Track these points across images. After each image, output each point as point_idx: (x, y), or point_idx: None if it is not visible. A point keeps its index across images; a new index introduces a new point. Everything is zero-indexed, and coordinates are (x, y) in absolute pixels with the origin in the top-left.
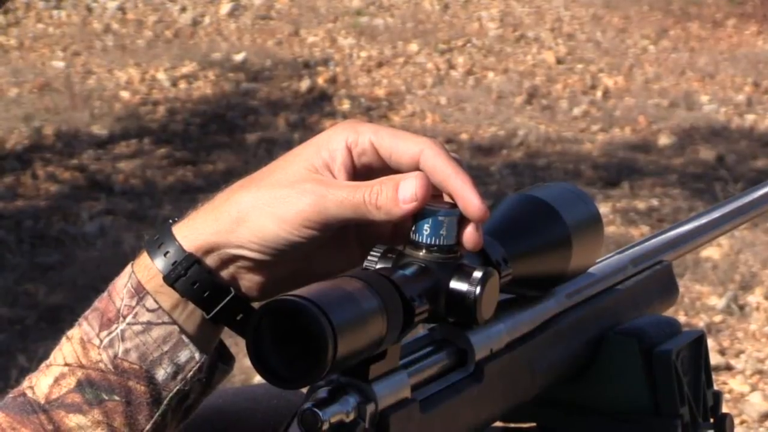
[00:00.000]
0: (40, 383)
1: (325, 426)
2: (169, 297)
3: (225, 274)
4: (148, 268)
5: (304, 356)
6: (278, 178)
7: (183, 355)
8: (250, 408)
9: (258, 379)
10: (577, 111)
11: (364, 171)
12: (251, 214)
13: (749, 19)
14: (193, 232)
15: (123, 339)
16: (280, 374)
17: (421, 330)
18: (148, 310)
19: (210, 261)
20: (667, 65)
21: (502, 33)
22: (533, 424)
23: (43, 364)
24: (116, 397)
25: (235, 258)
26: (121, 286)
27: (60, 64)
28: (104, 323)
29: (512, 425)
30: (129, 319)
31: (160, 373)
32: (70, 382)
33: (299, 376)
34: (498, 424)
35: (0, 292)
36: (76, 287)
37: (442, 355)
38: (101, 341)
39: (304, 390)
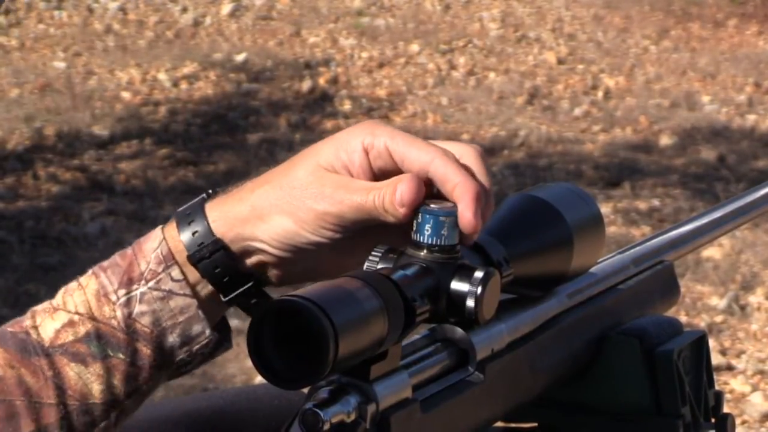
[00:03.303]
0: (46, 326)
1: (326, 426)
2: (191, 272)
3: (249, 262)
4: (174, 240)
5: (305, 356)
6: (298, 177)
7: (195, 329)
8: (252, 408)
9: (259, 379)
10: (578, 111)
11: (380, 173)
12: (272, 214)
13: (750, 19)
14: (222, 217)
15: (141, 301)
16: (281, 374)
17: (422, 330)
18: (173, 280)
19: (235, 248)
20: (668, 65)
21: (503, 33)
22: (534, 424)
23: (48, 304)
24: (121, 356)
25: (257, 251)
26: (149, 249)
27: (61, 65)
28: (124, 282)
29: (513, 425)
30: (151, 284)
31: (168, 341)
32: (78, 331)
33: (300, 376)
34: (499, 424)
35: (1, 292)
36: None
37: (443, 355)
38: (118, 298)
39: (305, 390)
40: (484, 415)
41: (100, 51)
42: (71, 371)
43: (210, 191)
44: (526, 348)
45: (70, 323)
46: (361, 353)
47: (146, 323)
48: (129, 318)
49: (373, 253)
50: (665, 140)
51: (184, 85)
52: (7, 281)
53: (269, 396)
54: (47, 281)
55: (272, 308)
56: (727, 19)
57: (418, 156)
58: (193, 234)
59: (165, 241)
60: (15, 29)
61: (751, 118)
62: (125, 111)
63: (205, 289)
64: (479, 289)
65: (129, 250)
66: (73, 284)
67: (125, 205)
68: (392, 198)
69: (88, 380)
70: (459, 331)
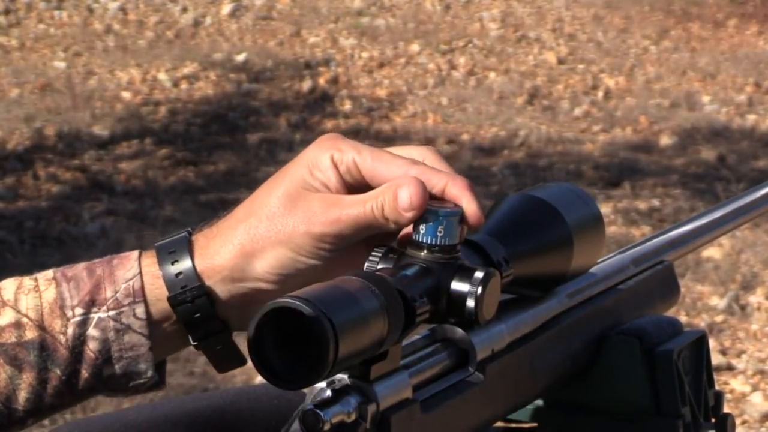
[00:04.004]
0: None
1: (327, 426)
2: (162, 309)
3: (230, 305)
4: (151, 275)
5: (305, 357)
6: (281, 204)
7: (139, 367)
8: (251, 408)
9: (259, 379)
10: (578, 111)
11: (350, 188)
12: (265, 248)
13: (750, 19)
14: (209, 260)
15: (95, 326)
16: (281, 375)
17: (422, 330)
18: (135, 317)
19: (221, 290)
20: (668, 65)
21: (504, 33)
22: (534, 424)
23: None
24: (58, 372)
25: (251, 291)
26: (121, 278)
27: (61, 65)
28: (85, 301)
29: (513, 425)
30: (112, 313)
31: (108, 371)
32: (23, 335)
33: (300, 376)
34: (499, 424)
35: None
36: None
37: (444, 356)
38: (74, 315)
39: (306, 390)
40: (485, 415)
41: (100, 51)
42: (3, 373)
43: (191, 229)
44: (526, 348)
45: (17, 324)
46: (361, 353)
47: (93, 348)
48: (78, 338)
49: (373, 253)
50: (665, 140)
51: (184, 85)
52: None
53: (269, 396)
54: None
55: (272, 309)
56: (727, 19)
57: (389, 170)
58: (177, 275)
59: (140, 276)
60: (15, 29)
61: (751, 118)
62: (125, 111)
63: (173, 327)
64: (479, 290)
65: (98, 269)
66: (29, 282)
67: (125, 205)
68: (394, 204)
69: (17, 386)
70: (459, 331)
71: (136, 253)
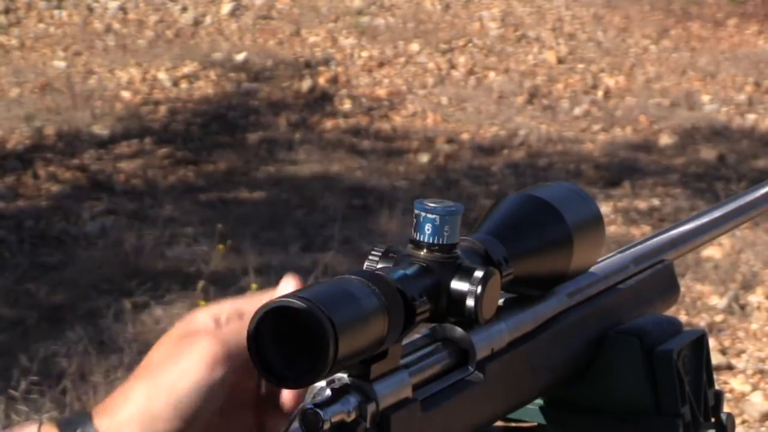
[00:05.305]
0: None
1: (326, 425)
2: None
3: None
4: None
5: (305, 356)
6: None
7: None
8: None
9: None
10: (578, 111)
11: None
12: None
13: (750, 18)
14: (113, 416)
15: None
16: (281, 374)
17: (422, 329)
18: None
19: None
20: (668, 65)
21: (504, 33)
22: (534, 424)
23: None
24: None
25: None
26: None
27: (61, 64)
28: None
29: (513, 424)
30: None
31: None
32: None
33: (300, 375)
34: (499, 423)
35: (1, 292)
36: (77, 287)
37: (444, 355)
38: None
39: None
40: (485, 414)
41: (100, 50)
42: None
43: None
44: (526, 347)
45: None
46: (361, 353)
47: None
48: None
49: (372, 252)
50: (665, 140)
51: (184, 85)
52: (7, 280)
53: None
54: (47, 280)
55: (272, 308)
56: (727, 19)
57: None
58: None
59: None
60: (15, 28)
61: (751, 118)
62: (125, 110)
63: None
64: (479, 289)
65: None
66: None
67: (125, 205)
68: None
69: None
70: (459, 330)
71: (34, 428)
